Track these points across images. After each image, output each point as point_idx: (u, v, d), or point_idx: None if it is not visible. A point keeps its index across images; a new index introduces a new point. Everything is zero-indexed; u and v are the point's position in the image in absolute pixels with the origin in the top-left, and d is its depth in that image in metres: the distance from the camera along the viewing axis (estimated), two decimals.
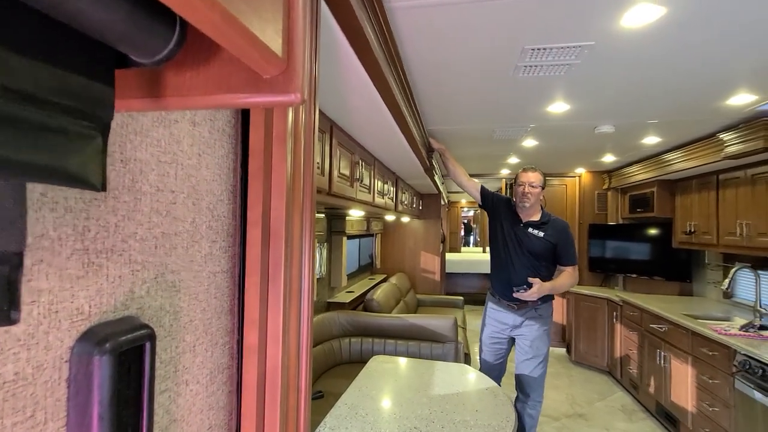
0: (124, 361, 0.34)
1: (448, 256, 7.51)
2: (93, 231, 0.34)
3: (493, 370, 2.44)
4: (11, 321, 0.24)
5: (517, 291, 2.21)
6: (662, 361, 2.93)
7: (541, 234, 2.26)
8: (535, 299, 2.21)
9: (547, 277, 2.26)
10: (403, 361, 2.23)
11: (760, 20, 1.28)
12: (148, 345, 0.37)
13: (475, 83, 1.87)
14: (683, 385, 2.69)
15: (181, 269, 0.45)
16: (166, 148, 0.43)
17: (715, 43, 1.44)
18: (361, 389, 1.85)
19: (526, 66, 1.67)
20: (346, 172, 1.75)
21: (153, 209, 0.41)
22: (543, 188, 2.28)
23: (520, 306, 2.28)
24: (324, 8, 0.81)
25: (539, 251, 2.26)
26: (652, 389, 3.09)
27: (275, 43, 0.28)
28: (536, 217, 2.30)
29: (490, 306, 2.47)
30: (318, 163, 1.38)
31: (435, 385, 1.91)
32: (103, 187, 0.27)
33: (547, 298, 2.31)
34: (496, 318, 2.41)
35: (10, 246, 0.23)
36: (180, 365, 0.45)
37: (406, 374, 2.04)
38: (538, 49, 1.51)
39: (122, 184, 0.37)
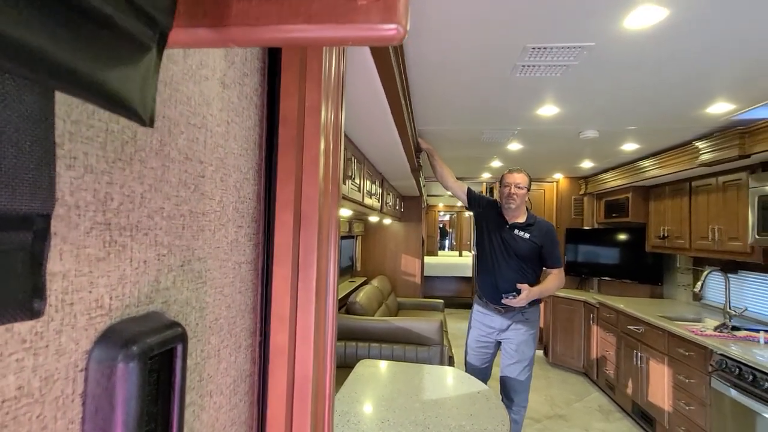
0: (153, 369, 0.27)
1: (426, 259, 7.52)
2: (116, 201, 0.26)
3: (479, 374, 2.42)
4: (34, 313, 0.16)
5: (506, 297, 2.20)
6: (639, 362, 3.01)
7: (527, 236, 2.26)
8: (523, 305, 2.20)
9: (533, 279, 2.26)
10: (391, 365, 2.17)
11: (749, 30, 1.32)
12: (179, 348, 0.29)
13: (471, 81, 1.85)
14: (660, 385, 2.77)
15: (207, 257, 0.37)
16: (196, 108, 0.35)
17: (705, 51, 1.48)
18: (350, 395, 1.77)
19: (524, 66, 1.66)
20: None
21: (181, 181, 0.33)
22: (529, 190, 2.29)
23: (507, 309, 2.27)
24: None
25: (525, 253, 2.25)
26: (629, 390, 3.17)
27: None
28: (522, 219, 2.30)
29: (477, 309, 2.45)
30: None
31: (426, 390, 1.86)
32: (151, 122, 0.20)
33: (535, 302, 2.30)
34: (483, 321, 2.39)
35: (34, 204, 0.16)
36: (205, 373, 0.37)
37: (396, 378, 1.98)
38: (540, 48, 1.50)
39: (150, 146, 0.30)
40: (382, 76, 1.20)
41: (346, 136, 1.84)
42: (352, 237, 4.37)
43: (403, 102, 1.62)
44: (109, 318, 0.26)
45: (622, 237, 4.06)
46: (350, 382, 1.93)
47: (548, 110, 2.25)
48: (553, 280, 2.27)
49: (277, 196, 0.45)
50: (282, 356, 0.44)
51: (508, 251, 2.26)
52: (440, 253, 9.36)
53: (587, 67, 1.66)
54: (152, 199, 0.30)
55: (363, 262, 4.76)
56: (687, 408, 2.48)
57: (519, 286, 2.18)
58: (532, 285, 2.21)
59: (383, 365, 2.18)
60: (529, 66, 1.66)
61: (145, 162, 0.29)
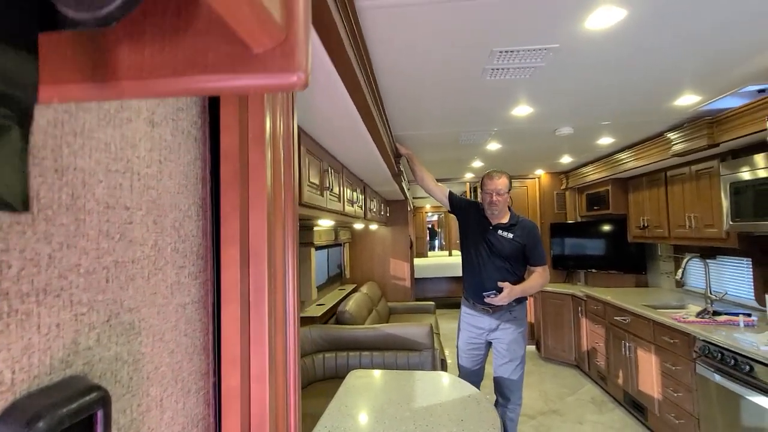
0: None
1: (416, 261, 7.53)
2: (16, 267, 0.25)
3: (472, 376, 2.42)
4: None
5: (488, 296, 2.20)
6: (627, 352, 3.05)
7: (510, 236, 2.27)
8: (506, 303, 2.21)
9: (518, 278, 2.28)
10: (382, 374, 2.15)
11: (707, 25, 1.35)
12: (100, 413, 0.28)
13: (443, 86, 1.86)
14: (648, 373, 2.81)
15: (141, 305, 0.36)
16: (118, 153, 0.34)
17: (667, 47, 1.51)
18: (340, 408, 1.75)
19: (494, 69, 1.67)
20: (316, 180, 1.67)
21: (102, 232, 0.32)
22: (510, 191, 2.30)
23: (495, 309, 2.28)
24: None
25: (509, 253, 2.27)
26: (620, 380, 3.21)
27: (271, 4, 0.21)
28: (505, 219, 2.31)
29: (465, 311, 2.45)
30: None
31: (417, 397, 1.85)
32: (25, 206, 0.19)
33: (521, 300, 2.32)
34: (472, 323, 2.39)
35: None
36: (145, 427, 0.35)
37: (386, 388, 1.96)
38: (506, 51, 1.51)
39: (58, 202, 0.28)
40: (348, 88, 1.19)
41: (321, 146, 1.83)
42: (339, 245, 4.35)
43: (374, 111, 1.62)
44: (11, 394, 0.24)
45: (605, 229, 4.12)
46: (340, 394, 1.90)
47: (522, 110, 2.27)
48: (537, 278, 2.28)
49: (222, 233, 0.43)
50: (235, 400, 0.43)
51: (492, 252, 2.27)
52: (430, 254, 9.37)
53: (554, 68, 1.68)
54: (64, 257, 0.28)
55: (352, 269, 4.73)
56: (675, 395, 2.52)
57: (500, 284, 2.19)
58: (516, 284, 2.22)
59: (374, 374, 2.17)
60: (498, 69, 1.67)
61: (53, 220, 0.28)
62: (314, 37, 0.86)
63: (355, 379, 2.08)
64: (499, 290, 2.18)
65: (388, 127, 2.27)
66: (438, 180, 2.74)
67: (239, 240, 0.43)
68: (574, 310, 4.05)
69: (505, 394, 2.33)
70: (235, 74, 0.23)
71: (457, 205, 2.50)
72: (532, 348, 4.69)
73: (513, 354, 2.28)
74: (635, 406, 3.03)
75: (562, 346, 4.20)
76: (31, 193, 0.26)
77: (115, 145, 0.33)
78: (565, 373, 4.02)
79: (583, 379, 3.86)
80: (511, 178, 2.34)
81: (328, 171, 1.83)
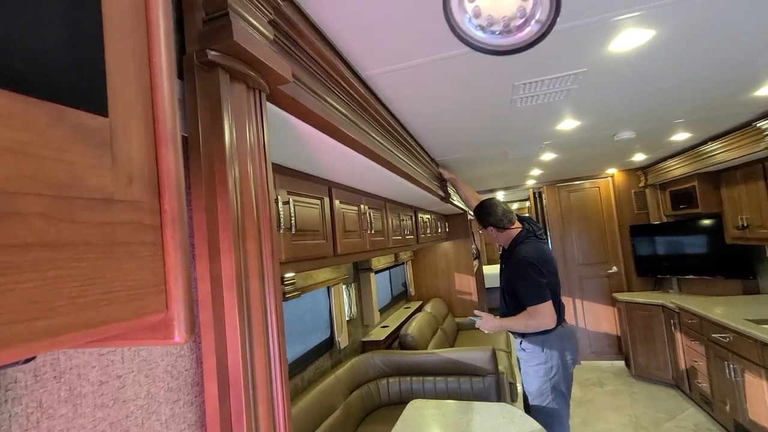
0: None
1: (487, 269, 7.29)
2: None
3: None
4: None
5: (472, 320, 2.17)
6: (732, 375, 2.64)
7: (505, 267, 2.16)
8: (486, 332, 2.15)
9: (513, 313, 2.08)
10: (440, 406, 2.16)
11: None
12: None
13: (473, 120, 1.84)
14: (761, 400, 2.41)
15: None
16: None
17: (727, 48, 1.33)
18: None
19: (521, 98, 1.62)
20: (354, 226, 1.76)
21: (97, 404, 0.42)
22: (490, 226, 2.14)
23: (515, 336, 2.16)
24: (290, 117, 0.83)
25: (503, 285, 2.15)
26: (727, 406, 2.79)
27: (147, 306, 0.28)
28: (506, 246, 2.16)
29: None
30: (317, 230, 1.40)
31: None
32: None
33: (531, 335, 2.05)
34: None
35: None
36: None
37: (445, 421, 1.97)
38: (529, 83, 1.46)
39: (58, 399, 0.39)
40: (365, 155, 1.26)
41: (358, 191, 1.92)
42: (401, 264, 4.42)
43: (401, 158, 1.66)
44: None
45: (698, 229, 3.62)
46: (399, 427, 1.95)
47: (568, 124, 2.14)
48: (521, 317, 2.00)
49: (204, 369, 0.52)
50: None
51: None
52: None
53: (591, 87, 1.57)
54: None
55: (416, 286, 4.77)
56: None
57: (477, 312, 2.14)
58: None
59: (433, 405, 2.18)
60: (526, 97, 1.62)
61: (54, 415, 0.38)
62: (311, 131, 0.94)
63: (413, 410, 2.12)
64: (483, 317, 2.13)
65: (427, 159, 2.30)
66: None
67: (216, 376, 0.52)
68: (666, 323, 3.61)
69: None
70: (131, 339, 0.31)
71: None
72: (620, 364, 4.27)
73: (527, 386, 2.13)
74: None
75: (656, 363, 3.76)
76: (33, 402, 0.37)
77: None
78: (662, 395, 3.59)
79: (684, 402, 3.41)
80: (479, 210, 2.18)
81: (367, 213, 1.91)
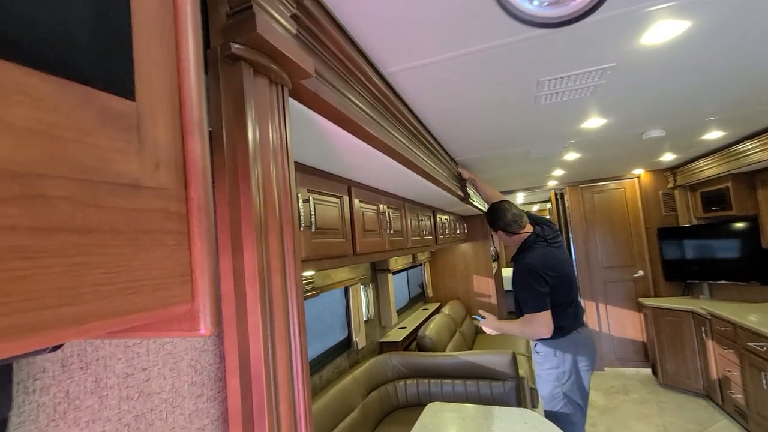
0: None
1: (506, 272, 7.17)
2: None
3: None
4: None
5: (476, 318, 2.17)
6: None
7: (513, 270, 2.10)
8: (487, 332, 2.11)
9: (519, 316, 2.05)
10: (459, 409, 2.12)
11: None
12: None
13: (495, 118, 1.81)
14: None
15: None
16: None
17: (758, 43, 1.26)
18: None
19: (546, 95, 1.58)
20: (373, 225, 1.75)
21: (122, 397, 0.42)
22: (499, 230, 2.11)
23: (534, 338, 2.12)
24: (312, 114, 0.82)
25: (513, 288, 2.09)
26: (765, 419, 2.64)
27: (173, 296, 0.28)
28: (515, 249, 2.12)
29: None
30: (337, 228, 1.39)
31: None
32: None
33: (545, 338, 1.99)
34: None
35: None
36: None
37: (465, 425, 1.93)
38: (555, 78, 1.42)
39: (84, 390, 0.39)
40: (385, 152, 1.25)
41: (377, 191, 1.91)
42: (419, 265, 4.39)
43: (421, 157, 1.64)
44: None
45: (732, 232, 3.46)
46: (416, 430, 1.93)
47: (595, 122, 2.07)
48: (517, 323, 1.98)
49: (227, 365, 0.52)
50: None
51: None
52: None
53: (619, 83, 1.52)
54: (91, 431, 0.39)
55: (434, 288, 4.73)
56: None
57: (481, 312, 2.13)
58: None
59: (452, 409, 2.15)
60: (551, 94, 1.57)
61: (80, 406, 0.38)
62: (333, 127, 0.94)
63: (431, 413, 2.09)
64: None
65: (446, 158, 2.27)
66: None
67: (239, 372, 0.51)
68: (697, 330, 3.45)
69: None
70: (158, 330, 0.30)
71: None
72: (646, 372, 4.12)
73: (540, 389, 2.10)
74: None
75: (685, 372, 3.61)
76: (60, 392, 0.37)
77: None
78: (692, 405, 3.44)
79: (717, 413, 3.25)
80: (489, 213, 2.15)
81: (386, 213, 1.90)
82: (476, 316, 2.16)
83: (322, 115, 0.85)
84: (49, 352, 0.29)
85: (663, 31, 1.12)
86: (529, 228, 2.09)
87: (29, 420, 0.34)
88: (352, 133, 1.00)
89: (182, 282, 0.28)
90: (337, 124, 0.92)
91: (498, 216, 2.10)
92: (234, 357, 0.52)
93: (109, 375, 0.41)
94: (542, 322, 1.88)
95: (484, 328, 2.12)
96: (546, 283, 1.91)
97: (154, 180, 0.27)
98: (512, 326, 2.05)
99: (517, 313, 2.09)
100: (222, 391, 0.55)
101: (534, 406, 3.01)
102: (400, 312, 3.81)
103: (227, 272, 0.53)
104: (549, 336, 1.91)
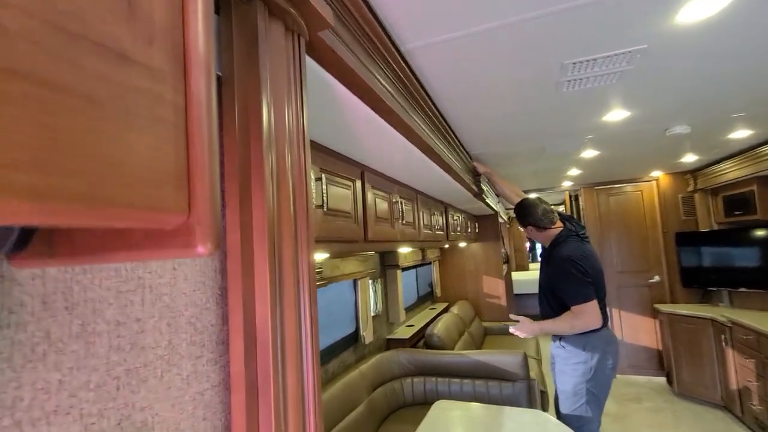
0: None
1: (515, 275, 7.06)
2: (27, 399, 0.31)
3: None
4: None
5: (508, 326, 2.09)
6: None
7: (545, 265, 2.05)
8: (522, 336, 1.99)
9: (551, 314, 1.99)
10: (468, 408, 2.05)
11: None
12: None
13: (513, 106, 1.74)
14: None
15: (153, 402, 0.41)
16: (128, 275, 0.40)
17: None
18: None
19: (569, 81, 1.51)
20: (385, 214, 1.70)
21: (112, 347, 0.38)
22: (529, 225, 2.06)
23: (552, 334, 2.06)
24: (327, 77, 0.78)
25: (542, 284, 2.06)
26: None
27: (165, 198, 0.23)
28: (547, 244, 2.07)
29: None
30: (349, 212, 1.35)
31: None
32: None
33: (581, 333, 1.94)
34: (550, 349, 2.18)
35: None
36: None
37: (473, 424, 1.86)
38: (580, 62, 1.35)
39: (69, 333, 0.34)
40: (401, 131, 1.20)
41: (390, 179, 1.86)
42: (428, 263, 4.32)
43: (437, 142, 1.59)
44: None
45: (754, 240, 3.33)
46: (424, 427, 1.87)
47: (617, 115, 2.00)
48: (565, 317, 1.89)
49: (230, 325, 0.47)
50: None
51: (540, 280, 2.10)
52: (532, 266, 8.71)
53: (649, 68, 1.45)
54: (74, 379, 0.34)
55: (443, 288, 4.65)
56: None
57: (513, 316, 2.05)
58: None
59: (461, 407, 2.08)
60: (575, 80, 1.51)
61: (63, 350, 0.34)
62: (351, 98, 0.89)
63: (439, 411, 2.03)
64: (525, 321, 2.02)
65: (462, 149, 2.21)
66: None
67: (243, 330, 0.47)
68: (716, 338, 3.33)
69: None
70: (152, 248, 0.25)
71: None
72: (661, 380, 3.99)
73: (561, 385, 2.01)
74: None
75: (702, 382, 3.47)
76: (40, 331, 0.32)
77: (125, 268, 0.39)
78: (709, 416, 3.31)
79: (735, 425, 3.12)
80: (519, 209, 2.11)
81: (398, 202, 1.85)
82: (507, 324, 2.14)
83: (338, 79, 0.81)
84: (11, 251, 0.25)
85: (701, 7, 1.06)
86: (559, 224, 2.05)
87: (1, 357, 0.30)
88: (369, 105, 0.95)
89: (177, 185, 0.23)
90: (354, 93, 0.87)
91: (529, 211, 2.05)
92: (238, 316, 0.47)
93: (98, 320, 0.37)
94: (593, 311, 1.83)
95: (518, 333, 2.01)
96: (587, 274, 1.86)
97: (146, 56, 0.22)
98: (556, 324, 1.94)
99: (549, 312, 2.02)
100: (224, 356, 0.50)
101: (544, 409, 2.92)
102: (407, 310, 3.75)
103: (234, 225, 0.49)
104: (600, 326, 1.85)
